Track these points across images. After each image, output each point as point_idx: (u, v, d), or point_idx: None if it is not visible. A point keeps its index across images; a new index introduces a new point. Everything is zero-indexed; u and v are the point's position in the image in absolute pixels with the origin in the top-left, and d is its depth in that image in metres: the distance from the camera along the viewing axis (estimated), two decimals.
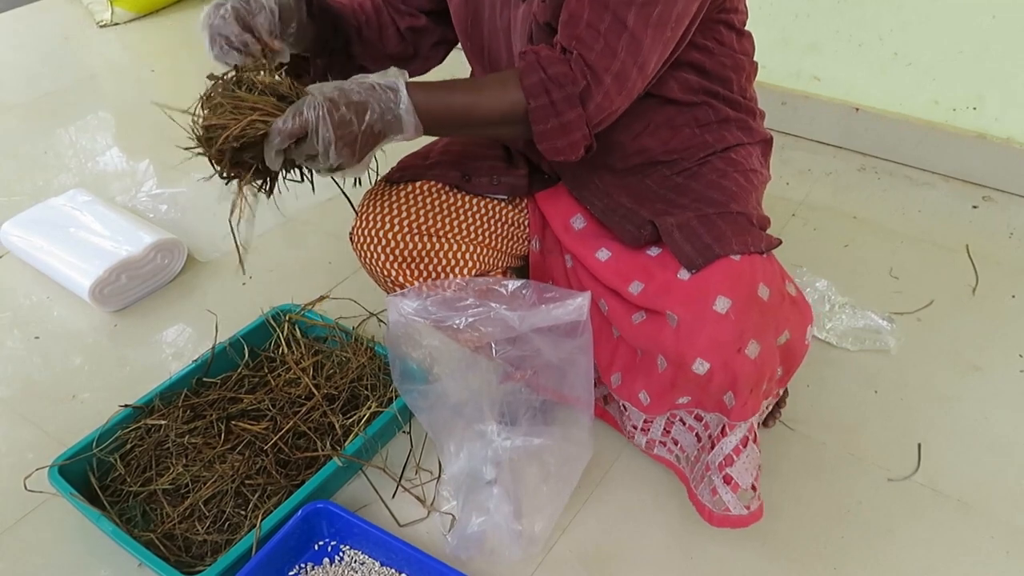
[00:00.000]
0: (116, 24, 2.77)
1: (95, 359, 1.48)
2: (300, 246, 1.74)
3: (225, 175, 0.93)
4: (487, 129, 1.00)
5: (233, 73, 0.95)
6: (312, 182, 1.00)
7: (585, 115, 0.94)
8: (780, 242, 1.06)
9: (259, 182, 0.95)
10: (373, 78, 0.93)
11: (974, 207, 1.81)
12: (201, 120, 0.91)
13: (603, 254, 1.12)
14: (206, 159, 0.92)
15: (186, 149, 0.93)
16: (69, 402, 1.39)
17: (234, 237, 0.97)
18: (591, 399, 1.11)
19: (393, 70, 0.94)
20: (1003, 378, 1.39)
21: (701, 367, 0.96)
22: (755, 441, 1.04)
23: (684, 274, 1.01)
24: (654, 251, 1.08)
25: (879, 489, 1.21)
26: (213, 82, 0.94)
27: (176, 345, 1.50)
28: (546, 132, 0.95)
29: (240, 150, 0.90)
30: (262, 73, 0.94)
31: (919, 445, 1.27)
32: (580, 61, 0.93)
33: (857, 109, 1.94)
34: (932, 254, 1.67)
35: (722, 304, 0.96)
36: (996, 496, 1.20)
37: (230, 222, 0.95)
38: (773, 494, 1.16)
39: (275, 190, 0.98)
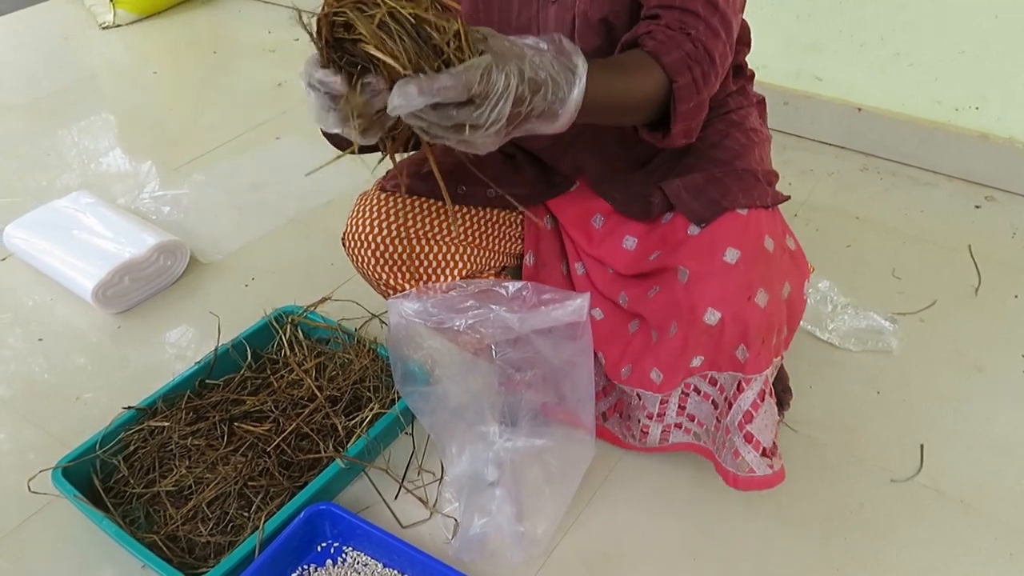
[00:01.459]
0: (118, 26, 2.77)
1: (98, 360, 1.48)
2: (302, 248, 1.74)
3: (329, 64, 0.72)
4: (627, 116, 0.90)
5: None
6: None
7: (709, 95, 0.93)
8: (787, 198, 1.08)
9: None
10: (549, 48, 0.75)
11: (976, 207, 1.81)
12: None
13: (630, 242, 1.15)
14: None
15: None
16: (72, 403, 1.39)
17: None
18: (592, 401, 1.11)
19: (564, 36, 0.78)
20: (1006, 379, 1.39)
21: (712, 317, 0.97)
22: (772, 395, 1.05)
23: (694, 230, 1.03)
24: (667, 217, 1.10)
25: (881, 490, 1.21)
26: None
27: (179, 346, 1.51)
28: (687, 112, 0.90)
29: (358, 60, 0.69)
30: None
31: (921, 446, 1.27)
32: (699, 40, 0.90)
33: (859, 109, 1.94)
34: (934, 254, 1.67)
35: (731, 255, 0.98)
36: (999, 497, 1.20)
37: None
38: (776, 494, 1.16)
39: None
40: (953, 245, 1.68)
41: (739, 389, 1.03)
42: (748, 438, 1.05)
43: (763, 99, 1.24)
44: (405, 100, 0.67)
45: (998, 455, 1.26)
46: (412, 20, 0.67)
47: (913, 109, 1.89)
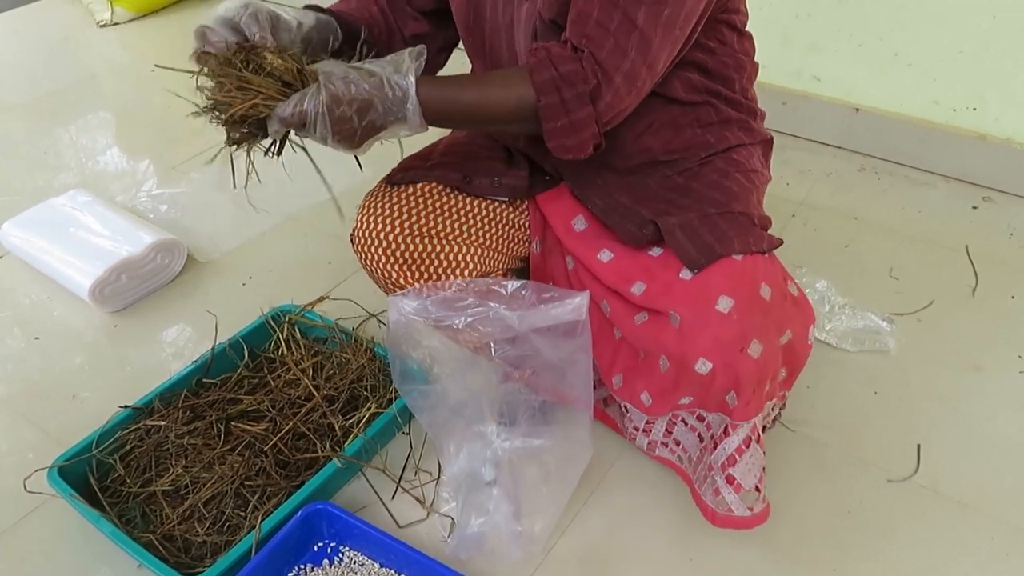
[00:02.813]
0: (116, 24, 2.77)
1: (95, 359, 1.48)
2: (300, 247, 1.74)
3: (232, 142, 0.96)
4: (495, 125, 1.00)
5: (240, 51, 0.94)
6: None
7: (595, 114, 0.94)
8: (781, 242, 1.07)
9: (267, 144, 0.98)
10: (385, 69, 0.91)
11: (974, 207, 1.81)
12: (206, 92, 0.94)
13: (605, 255, 1.13)
14: (213, 126, 0.95)
15: (194, 114, 0.96)
16: (69, 402, 1.39)
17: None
18: (591, 399, 1.10)
19: (407, 56, 0.93)
20: (1003, 379, 1.39)
21: (704, 367, 0.96)
22: (759, 442, 1.04)
23: (686, 274, 1.01)
24: (656, 251, 1.08)
25: (879, 490, 1.21)
26: (220, 54, 0.94)
27: (176, 345, 1.50)
28: (556, 130, 0.95)
29: (243, 124, 0.93)
30: (270, 53, 0.93)
31: (919, 446, 1.27)
32: (591, 59, 0.92)
33: (857, 109, 1.94)
34: (932, 254, 1.67)
35: (724, 304, 0.96)
36: (996, 497, 1.20)
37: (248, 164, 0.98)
38: (774, 495, 1.16)
39: (283, 152, 1.00)
40: (951, 245, 1.68)
41: (725, 433, 1.02)
42: (729, 480, 1.04)
43: (770, 139, 1.22)
44: (269, 126, 0.92)
45: (996, 455, 1.26)
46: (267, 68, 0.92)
47: (911, 109, 1.89)
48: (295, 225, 1.80)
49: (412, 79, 0.92)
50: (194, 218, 1.82)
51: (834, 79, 1.95)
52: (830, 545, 1.14)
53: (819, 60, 1.94)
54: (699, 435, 1.08)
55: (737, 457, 1.02)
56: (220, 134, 0.96)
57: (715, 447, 1.04)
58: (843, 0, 1.83)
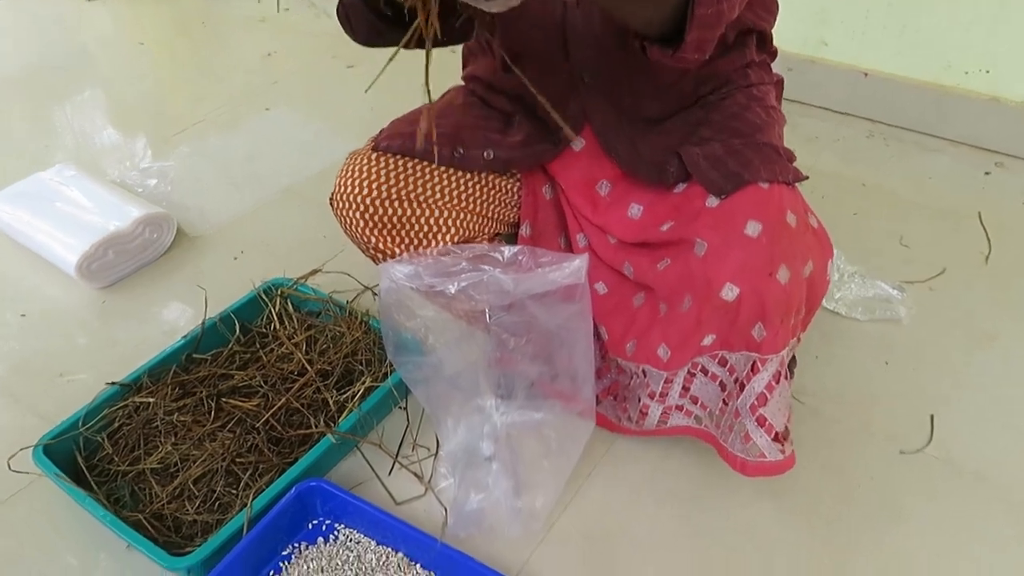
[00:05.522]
0: None
1: (83, 336, 1.44)
2: (293, 219, 1.70)
3: None
4: (648, 9, 0.85)
5: None
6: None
7: (728, 13, 0.87)
8: (806, 177, 1.04)
9: None
10: None
11: (986, 173, 1.77)
12: None
13: (635, 209, 1.10)
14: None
15: None
16: (56, 380, 1.35)
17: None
18: (592, 370, 1.06)
19: None
20: (1017, 347, 1.35)
21: (730, 292, 0.92)
22: (787, 378, 1.00)
23: (712, 201, 0.99)
24: (681, 187, 1.06)
25: (891, 461, 1.18)
26: None
27: (166, 321, 1.47)
28: (706, 17, 0.84)
29: None
30: None
31: (932, 416, 1.24)
32: None
33: (866, 74, 1.89)
34: (943, 222, 1.62)
35: (753, 228, 0.93)
36: (1011, 467, 1.17)
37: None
38: None
39: None
40: (962, 212, 1.64)
41: (753, 370, 0.98)
42: (761, 422, 1.00)
43: (782, 80, 1.20)
44: None
45: (1010, 425, 1.23)
46: None
47: (921, 73, 1.83)
48: (288, 197, 1.76)
49: None
50: (184, 191, 1.79)
51: (841, 44, 1.90)
52: (841, 517, 1.11)
53: (826, 24, 1.89)
54: (721, 383, 1.03)
55: (768, 395, 0.98)
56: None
57: (741, 390, 1.00)
58: None
